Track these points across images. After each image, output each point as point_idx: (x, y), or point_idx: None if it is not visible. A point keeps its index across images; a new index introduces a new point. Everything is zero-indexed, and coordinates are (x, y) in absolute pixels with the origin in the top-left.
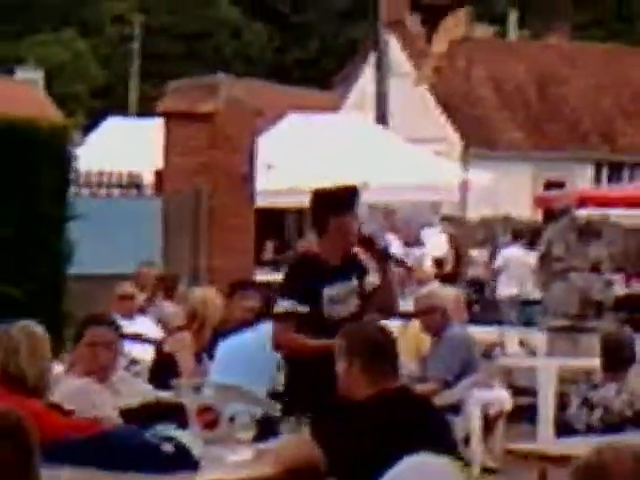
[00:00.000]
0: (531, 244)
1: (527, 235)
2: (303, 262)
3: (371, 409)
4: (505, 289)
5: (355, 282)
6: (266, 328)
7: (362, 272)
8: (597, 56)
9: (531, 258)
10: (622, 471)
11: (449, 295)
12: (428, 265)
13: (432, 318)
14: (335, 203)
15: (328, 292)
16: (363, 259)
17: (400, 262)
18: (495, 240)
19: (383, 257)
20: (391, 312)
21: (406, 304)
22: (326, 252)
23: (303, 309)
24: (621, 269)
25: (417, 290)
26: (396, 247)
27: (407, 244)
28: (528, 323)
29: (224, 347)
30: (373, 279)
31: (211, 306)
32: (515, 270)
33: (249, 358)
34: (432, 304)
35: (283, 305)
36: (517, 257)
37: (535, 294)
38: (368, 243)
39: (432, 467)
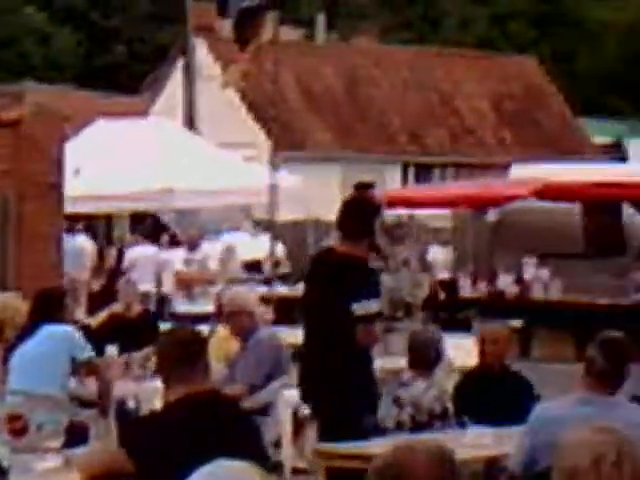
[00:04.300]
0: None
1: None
2: None
3: (178, 411)
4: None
5: None
6: (51, 331)
7: None
8: (405, 58)
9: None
10: (416, 469)
11: (252, 297)
12: (212, 267)
13: (239, 321)
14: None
15: None
16: None
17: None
18: (305, 242)
19: None
20: None
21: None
22: None
23: None
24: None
25: (205, 291)
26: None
27: (191, 247)
28: None
29: (19, 353)
30: None
31: (10, 310)
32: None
33: (40, 362)
34: (238, 307)
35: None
36: (145, 255)
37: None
38: None
39: (229, 472)
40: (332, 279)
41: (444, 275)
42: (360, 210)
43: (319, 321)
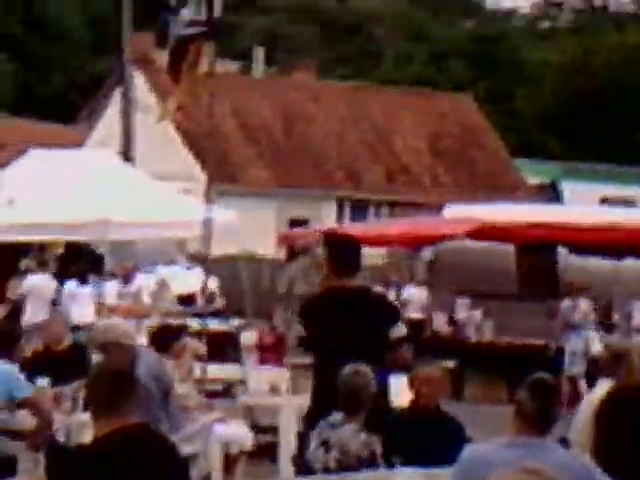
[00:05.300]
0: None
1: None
2: None
3: (107, 446)
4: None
5: None
6: None
7: None
8: (342, 94)
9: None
10: None
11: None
12: (145, 300)
13: (111, 355)
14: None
15: None
16: None
17: None
18: (239, 277)
19: None
20: None
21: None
22: None
23: None
24: None
25: (138, 324)
26: (112, 284)
27: (125, 280)
28: None
29: None
30: None
31: None
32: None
33: None
34: (108, 340)
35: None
36: (41, 285)
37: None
38: None
39: None
40: (363, 311)
41: (417, 315)
42: (352, 247)
43: (354, 352)
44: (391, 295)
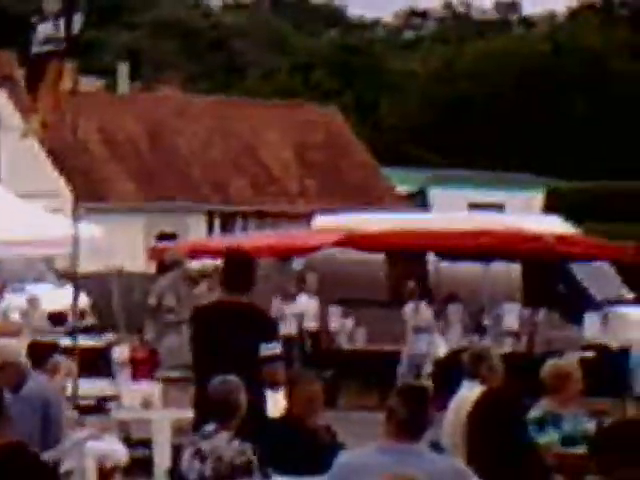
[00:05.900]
0: None
1: None
2: None
3: None
4: None
5: None
6: None
7: None
8: (208, 107)
9: None
10: None
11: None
12: (15, 318)
13: (6, 374)
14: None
15: None
16: None
17: None
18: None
19: None
20: None
21: None
22: None
23: None
24: None
25: None
26: None
27: None
28: None
29: None
30: None
31: None
32: None
33: None
34: (3, 360)
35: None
36: None
37: None
38: None
39: None
40: (244, 327)
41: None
42: (243, 264)
43: (232, 364)
44: (288, 308)
